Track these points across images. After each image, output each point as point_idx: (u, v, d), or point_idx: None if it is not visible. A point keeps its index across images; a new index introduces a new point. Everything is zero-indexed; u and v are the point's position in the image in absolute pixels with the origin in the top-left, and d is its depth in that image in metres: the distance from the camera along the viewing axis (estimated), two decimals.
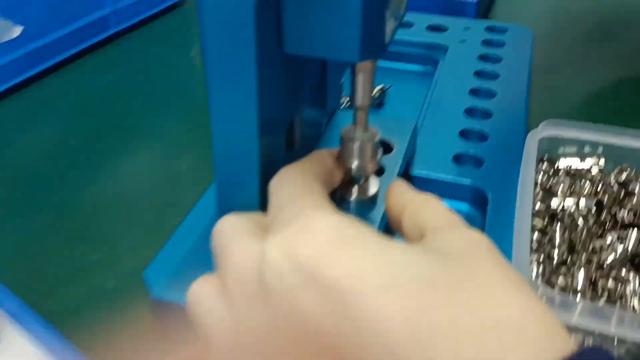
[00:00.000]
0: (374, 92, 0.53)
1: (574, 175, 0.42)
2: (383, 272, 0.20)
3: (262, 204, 0.31)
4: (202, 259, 0.34)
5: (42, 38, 0.58)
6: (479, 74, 0.53)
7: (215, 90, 0.27)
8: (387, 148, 0.39)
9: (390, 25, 0.27)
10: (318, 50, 0.27)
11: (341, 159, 0.32)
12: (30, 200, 0.44)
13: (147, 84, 0.59)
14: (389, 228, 0.33)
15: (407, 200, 0.27)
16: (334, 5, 0.25)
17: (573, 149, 0.43)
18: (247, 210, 0.30)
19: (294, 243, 0.22)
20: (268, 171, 0.31)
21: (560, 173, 0.43)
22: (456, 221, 0.24)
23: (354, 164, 0.31)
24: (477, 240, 0.23)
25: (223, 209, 0.31)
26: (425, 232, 0.24)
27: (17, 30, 0.55)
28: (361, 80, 0.29)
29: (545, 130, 0.43)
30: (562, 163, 0.43)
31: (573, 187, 0.41)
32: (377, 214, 0.33)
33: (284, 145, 0.34)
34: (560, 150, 0.44)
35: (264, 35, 0.26)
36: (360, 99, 0.29)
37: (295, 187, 0.26)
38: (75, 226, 0.42)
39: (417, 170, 0.42)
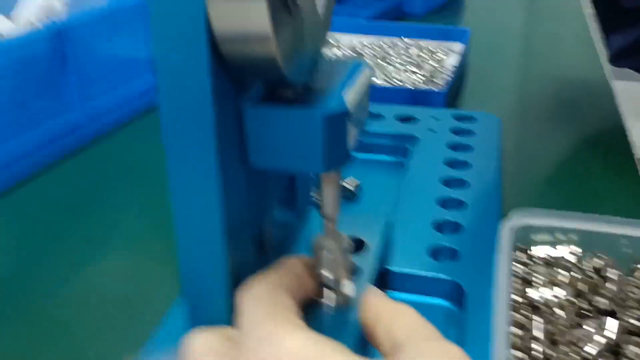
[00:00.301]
0: (348, 185, 0.53)
1: (549, 264, 0.42)
2: None
3: (232, 313, 0.30)
4: None
5: (10, 150, 0.57)
6: (450, 163, 0.54)
7: (178, 202, 0.27)
8: (359, 244, 0.39)
9: (352, 133, 0.28)
10: (283, 164, 0.27)
11: (315, 267, 0.31)
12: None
13: (121, 187, 0.59)
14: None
15: (381, 311, 0.26)
16: (296, 122, 0.26)
17: (545, 237, 0.43)
18: (215, 320, 0.30)
19: None
20: (238, 278, 0.30)
21: (535, 261, 0.42)
22: (431, 334, 0.24)
23: (327, 273, 0.31)
24: (453, 355, 0.22)
25: (193, 320, 0.30)
26: (399, 346, 0.23)
27: None
28: (328, 191, 0.29)
29: (516, 219, 0.43)
30: (535, 251, 0.43)
31: (549, 276, 0.41)
32: (353, 319, 0.32)
33: (254, 251, 0.33)
34: (533, 237, 0.44)
35: (226, 150, 0.26)
36: (329, 209, 0.30)
37: (263, 306, 0.26)
38: (39, 337, 0.41)
39: (392, 266, 0.41)
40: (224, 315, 0.29)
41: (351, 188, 0.52)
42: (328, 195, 0.29)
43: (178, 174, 0.26)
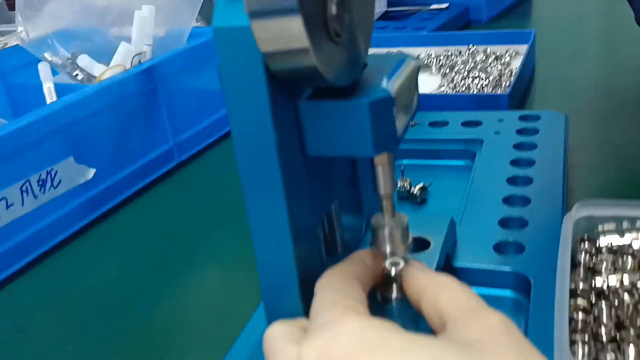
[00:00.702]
0: (416, 190, 0.56)
1: (616, 252, 0.43)
2: None
3: (306, 307, 0.33)
4: None
5: (113, 176, 0.64)
6: (515, 162, 0.56)
7: (250, 202, 0.31)
8: (425, 245, 0.41)
9: (400, 120, 0.30)
10: (337, 150, 0.30)
11: (374, 247, 0.34)
12: (101, 330, 0.48)
13: (209, 206, 0.64)
14: None
15: (425, 284, 0.28)
16: (346, 111, 0.29)
17: (611, 226, 0.44)
18: (291, 313, 0.33)
19: (326, 347, 0.24)
20: (308, 276, 0.33)
21: (601, 250, 0.43)
22: (475, 305, 0.26)
23: (386, 250, 0.33)
24: (498, 325, 0.24)
25: (271, 315, 0.34)
26: (446, 320, 0.26)
27: (91, 173, 0.62)
28: (380, 172, 0.32)
29: (580, 212, 0.44)
30: (603, 241, 0.44)
31: (616, 263, 0.42)
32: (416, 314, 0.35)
33: (322, 250, 0.37)
34: (600, 228, 0.45)
35: (284, 143, 0.29)
36: (383, 188, 0.32)
37: (334, 291, 0.29)
38: (144, 347, 0.46)
39: (459, 262, 0.44)
40: (299, 308, 0.33)
41: (417, 192, 0.55)
42: (381, 176, 0.32)
43: (246, 172, 0.30)
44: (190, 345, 0.45)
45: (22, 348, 0.47)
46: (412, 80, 0.32)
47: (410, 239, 0.34)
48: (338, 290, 0.29)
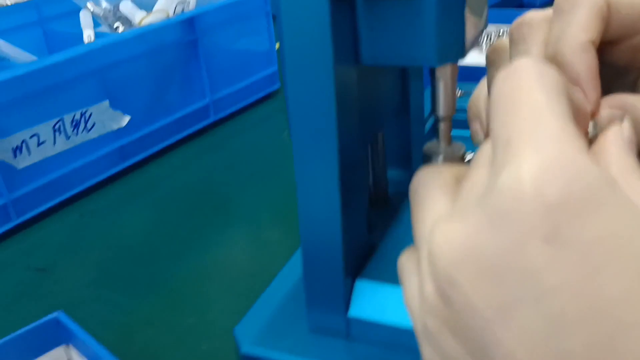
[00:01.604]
0: (467, 159, 0.52)
1: None
2: None
3: (346, 259, 0.30)
4: (290, 318, 0.34)
5: (147, 126, 0.62)
6: None
7: (296, 118, 0.28)
8: None
9: (470, 25, 0.27)
10: (395, 58, 0.26)
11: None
12: (126, 276, 0.46)
13: (241, 165, 0.62)
14: None
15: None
16: (408, 8, 0.25)
17: None
18: (330, 264, 0.30)
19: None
20: (353, 224, 0.31)
21: None
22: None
23: None
24: None
25: (308, 265, 0.31)
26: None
27: (125, 120, 0.60)
28: (442, 88, 0.28)
29: None
30: None
31: None
32: None
33: (367, 199, 0.34)
34: None
35: (340, 50, 0.26)
36: (442, 108, 0.28)
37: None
38: (169, 296, 0.44)
39: None
40: (340, 255, 0.30)
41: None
42: (442, 93, 0.28)
43: (296, 82, 0.27)
44: (215, 297, 0.43)
45: (45, 287, 0.46)
46: None
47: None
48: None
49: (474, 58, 0.80)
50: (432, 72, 0.28)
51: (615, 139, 0.20)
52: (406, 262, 0.21)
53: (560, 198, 0.16)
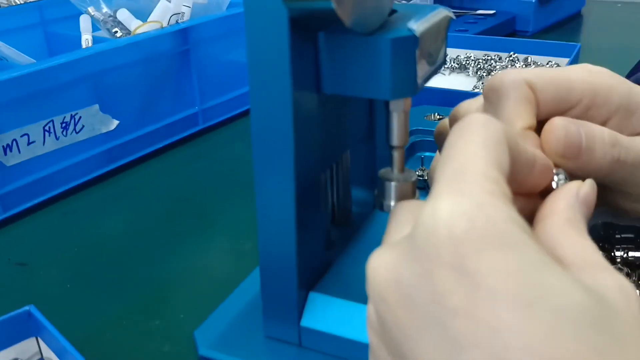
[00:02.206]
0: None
1: (632, 264, 0.42)
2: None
3: (300, 278, 0.32)
4: (247, 325, 0.36)
5: (135, 131, 0.64)
6: None
7: (257, 136, 0.30)
8: None
9: (423, 66, 0.29)
10: (354, 89, 0.29)
11: (379, 200, 0.32)
12: (100, 276, 0.48)
13: (224, 175, 0.64)
14: None
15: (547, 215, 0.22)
16: (366, 46, 0.28)
17: (630, 235, 0.43)
18: (286, 279, 0.32)
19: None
20: (309, 240, 0.33)
21: (617, 261, 0.42)
22: (603, 261, 0.20)
23: (392, 204, 0.32)
24: (627, 288, 0.19)
25: (266, 278, 0.33)
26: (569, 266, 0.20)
27: (114, 124, 0.62)
28: (395, 120, 0.30)
29: (598, 218, 0.43)
30: (617, 252, 0.43)
31: (632, 276, 0.41)
32: None
33: (327, 218, 0.36)
34: (618, 236, 0.43)
35: (299, 77, 0.28)
36: (395, 139, 0.31)
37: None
38: (138, 298, 0.46)
39: None
40: (293, 274, 0.32)
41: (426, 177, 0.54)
42: (395, 124, 0.30)
43: (258, 104, 0.29)
44: (182, 301, 0.45)
45: (22, 281, 0.48)
46: (441, 30, 0.31)
47: (417, 196, 0.32)
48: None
49: (460, 82, 0.82)
50: (387, 104, 0.30)
51: (568, 194, 0.23)
52: None
53: (465, 233, 0.18)
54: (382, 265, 0.21)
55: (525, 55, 0.87)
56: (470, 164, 0.20)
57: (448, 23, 0.32)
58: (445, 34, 0.32)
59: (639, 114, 0.30)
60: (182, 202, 0.59)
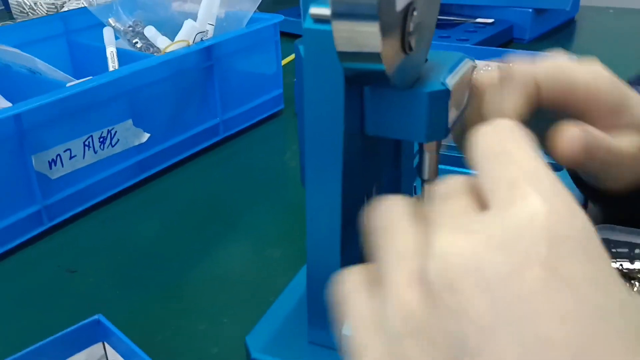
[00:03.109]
0: None
1: (625, 275, 0.47)
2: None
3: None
4: (293, 331, 0.41)
5: (164, 143, 0.69)
6: None
7: (311, 172, 0.35)
8: None
9: (452, 113, 0.34)
10: (393, 133, 0.34)
11: None
12: (145, 279, 0.53)
13: (248, 182, 0.69)
14: None
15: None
16: (405, 98, 0.33)
17: (624, 251, 0.48)
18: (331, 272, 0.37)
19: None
20: (349, 258, 0.38)
21: None
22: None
23: None
24: None
25: (312, 284, 0.38)
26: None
27: (145, 137, 0.66)
28: (427, 158, 0.36)
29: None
30: (614, 265, 0.48)
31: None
32: None
33: (361, 239, 0.41)
34: (613, 251, 0.48)
35: (349, 122, 0.33)
36: (427, 174, 0.36)
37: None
38: (182, 301, 0.50)
39: None
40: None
41: None
42: (427, 162, 0.36)
43: (313, 147, 0.34)
44: (223, 306, 0.49)
45: (75, 286, 0.52)
46: (467, 79, 0.36)
47: None
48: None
49: None
50: (421, 145, 0.35)
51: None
52: (354, 286, 0.25)
53: (565, 238, 0.19)
54: (458, 251, 0.20)
55: None
56: (541, 168, 0.21)
57: (472, 72, 0.37)
58: (469, 81, 0.37)
59: (628, 115, 0.37)
60: (208, 207, 0.64)
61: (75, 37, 0.85)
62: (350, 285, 0.25)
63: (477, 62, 0.87)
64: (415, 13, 0.31)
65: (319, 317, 0.38)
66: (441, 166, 0.65)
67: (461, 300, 0.19)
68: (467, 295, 0.19)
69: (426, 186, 0.37)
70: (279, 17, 0.80)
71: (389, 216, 0.25)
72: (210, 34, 0.73)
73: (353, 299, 0.25)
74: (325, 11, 0.29)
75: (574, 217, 0.20)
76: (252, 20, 0.78)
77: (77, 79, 0.63)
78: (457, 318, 0.19)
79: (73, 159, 0.59)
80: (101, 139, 0.62)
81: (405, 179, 0.46)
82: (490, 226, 0.20)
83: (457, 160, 0.66)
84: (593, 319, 0.18)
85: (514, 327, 0.18)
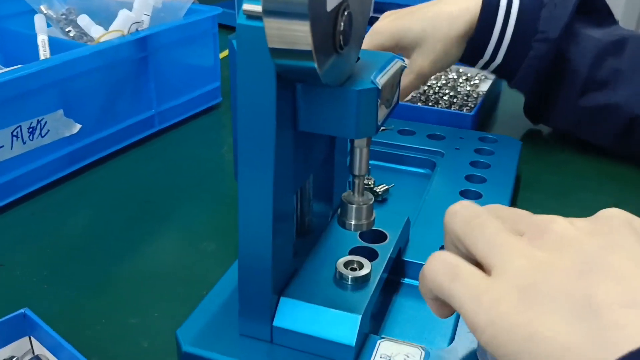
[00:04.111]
0: (379, 189, 0.61)
1: None
2: None
3: (275, 275, 0.38)
4: (224, 323, 0.41)
5: (96, 134, 0.68)
6: (468, 177, 0.62)
7: (243, 165, 0.35)
8: (382, 237, 0.47)
9: (382, 111, 0.36)
10: (324, 129, 0.35)
11: (341, 219, 0.39)
12: (75, 273, 0.52)
13: (183, 175, 0.68)
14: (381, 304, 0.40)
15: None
16: (335, 96, 0.34)
17: None
18: (262, 275, 0.38)
19: None
20: (281, 252, 0.38)
21: None
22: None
23: (352, 222, 0.39)
24: None
25: (244, 276, 0.39)
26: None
27: (76, 127, 0.65)
28: (358, 154, 0.37)
29: None
30: None
31: None
32: (369, 291, 0.40)
33: (294, 230, 0.42)
34: None
35: (281, 117, 0.34)
36: (357, 169, 0.38)
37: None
38: (113, 296, 0.50)
39: (408, 257, 0.49)
40: (269, 277, 0.38)
41: (380, 191, 0.60)
42: (357, 157, 0.37)
43: (246, 140, 0.34)
44: (156, 300, 0.49)
45: (0, 281, 0.51)
46: (396, 78, 0.38)
47: (374, 216, 0.39)
48: None
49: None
50: (352, 141, 0.37)
51: None
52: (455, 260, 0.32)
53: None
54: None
55: (458, 67, 0.95)
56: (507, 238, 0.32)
57: (402, 72, 0.38)
58: (399, 81, 0.38)
59: (428, 44, 0.69)
60: (142, 201, 0.63)
61: (5, 24, 0.82)
62: (452, 257, 0.33)
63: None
64: (346, 13, 0.32)
65: (250, 308, 0.39)
66: (372, 162, 0.67)
67: (580, 240, 0.30)
68: (580, 239, 0.30)
69: (356, 181, 0.38)
70: (217, 10, 0.80)
71: (476, 210, 0.34)
72: (146, 25, 0.72)
73: (460, 262, 0.32)
74: (258, 8, 0.30)
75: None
76: (190, 12, 0.77)
77: (6, 67, 0.61)
78: (578, 251, 0.29)
79: (0, 150, 0.58)
80: (30, 130, 0.60)
81: (338, 174, 0.47)
82: (580, 220, 0.32)
83: (386, 155, 0.67)
84: None
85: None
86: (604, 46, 0.68)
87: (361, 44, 0.37)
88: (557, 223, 0.31)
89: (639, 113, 0.67)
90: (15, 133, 0.59)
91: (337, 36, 0.32)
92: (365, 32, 0.38)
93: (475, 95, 0.86)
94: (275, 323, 0.39)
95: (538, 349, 0.27)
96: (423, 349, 0.39)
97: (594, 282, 0.27)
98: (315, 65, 0.31)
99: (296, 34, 0.29)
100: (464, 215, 0.33)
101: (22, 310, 0.40)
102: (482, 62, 0.71)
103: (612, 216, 0.31)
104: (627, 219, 0.30)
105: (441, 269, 0.32)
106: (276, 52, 0.31)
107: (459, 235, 0.33)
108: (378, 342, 0.39)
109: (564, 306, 0.27)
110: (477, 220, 0.33)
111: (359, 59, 0.37)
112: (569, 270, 0.28)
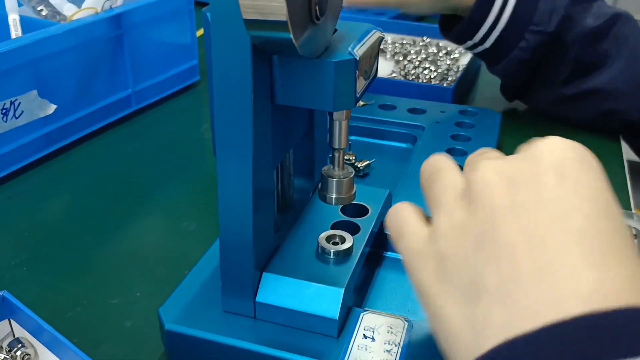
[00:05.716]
0: (360, 164, 0.61)
1: None
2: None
3: (257, 254, 0.38)
4: (207, 301, 0.41)
5: (72, 114, 0.66)
6: (449, 150, 0.62)
7: (221, 140, 0.35)
8: (364, 211, 0.46)
9: (360, 83, 0.35)
10: (302, 102, 0.35)
11: (322, 193, 0.39)
12: (54, 256, 0.52)
13: (162, 155, 0.67)
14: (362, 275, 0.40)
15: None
16: (313, 68, 0.33)
17: None
18: (243, 252, 0.37)
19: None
20: (262, 226, 0.38)
21: None
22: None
23: (333, 196, 0.39)
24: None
25: (225, 253, 0.38)
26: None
27: (52, 108, 0.64)
28: (337, 127, 0.37)
29: None
30: None
31: None
32: (351, 265, 0.40)
33: (275, 206, 0.42)
34: None
35: (258, 90, 0.33)
36: (337, 142, 0.37)
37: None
38: (94, 277, 0.49)
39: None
40: (251, 249, 0.37)
41: (361, 166, 0.60)
42: (337, 130, 0.37)
43: (223, 115, 0.34)
44: (137, 281, 0.49)
45: None
46: (374, 49, 0.37)
47: (354, 190, 0.39)
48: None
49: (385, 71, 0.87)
50: (330, 114, 0.36)
51: None
52: (405, 217, 0.33)
53: (570, 158, 0.29)
54: (495, 164, 0.29)
55: (437, 40, 0.94)
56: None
57: (380, 42, 0.38)
58: (377, 52, 0.38)
59: None
60: (121, 181, 0.62)
61: None
62: (406, 212, 0.33)
63: (389, 35, 0.90)
64: None
65: (233, 285, 0.39)
66: (353, 137, 0.66)
67: (492, 195, 0.27)
68: (497, 191, 0.27)
69: (335, 154, 0.38)
70: None
71: (439, 163, 0.33)
72: (120, 2, 0.70)
73: (409, 219, 0.32)
74: None
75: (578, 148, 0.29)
76: None
77: None
78: (487, 210, 0.27)
79: None
80: (4, 111, 0.59)
81: (319, 150, 0.46)
82: (516, 156, 0.29)
83: (367, 130, 0.67)
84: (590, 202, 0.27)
85: (527, 211, 0.26)
86: (593, 32, 0.67)
87: (338, 15, 0.37)
88: (479, 169, 0.28)
89: (621, 96, 0.67)
90: None
91: (312, 6, 0.32)
92: (342, 3, 0.37)
93: (456, 69, 0.85)
94: (258, 299, 0.39)
95: (439, 327, 0.27)
96: (406, 320, 0.39)
97: (485, 259, 0.26)
98: (291, 36, 0.30)
99: (271, 4, 0.29)
100: (425, 169, 0.33)
101: (0, 293, 0.39)
102: (470, 43, 0.71)
103: (543, 155, 0.28)
104: (558, 159, 0.27)
105: (393, 225, 0.33)
106: (251, 24, 0.30)
107: (422, 189, 0.33)
108: (361, 314, 0.39)
109: (458, 285, 0.26)
110: (434, 174, 0.32)
111: (336, 30, 0.37)
112: (469, 242, 0.27)
